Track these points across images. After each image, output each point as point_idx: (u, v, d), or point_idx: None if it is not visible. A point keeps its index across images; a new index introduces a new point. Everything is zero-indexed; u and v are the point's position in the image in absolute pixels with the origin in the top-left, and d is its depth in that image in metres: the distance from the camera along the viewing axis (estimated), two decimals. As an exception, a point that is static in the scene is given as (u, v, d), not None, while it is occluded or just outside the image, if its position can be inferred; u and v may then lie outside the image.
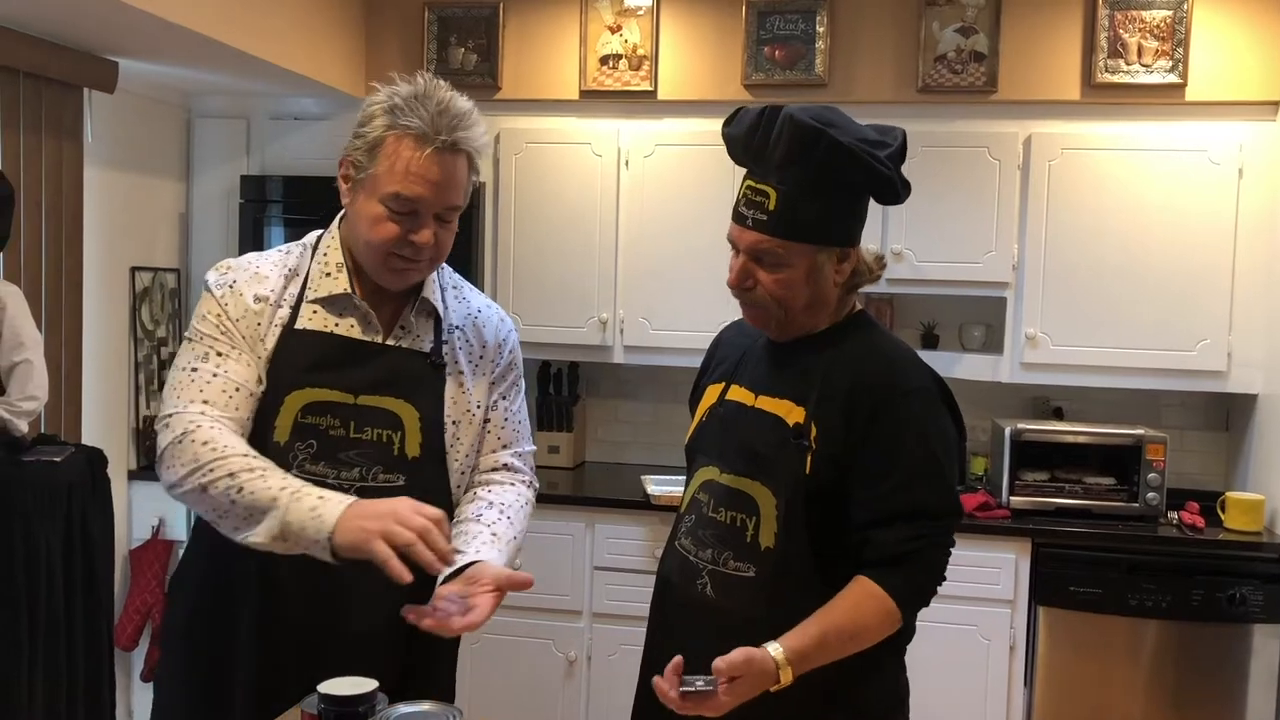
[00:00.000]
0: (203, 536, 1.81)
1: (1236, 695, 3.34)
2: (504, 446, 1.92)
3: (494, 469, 1.91)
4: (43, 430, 3.28)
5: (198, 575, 1.84)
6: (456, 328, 1.87)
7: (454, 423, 1.82)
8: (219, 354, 1.71)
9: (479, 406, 1.87)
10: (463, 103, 1.73)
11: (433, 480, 1.80)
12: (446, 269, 1.91)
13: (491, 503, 1.85)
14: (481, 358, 1.89)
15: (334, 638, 1.73)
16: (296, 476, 1.66)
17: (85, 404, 3.57)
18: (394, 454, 1.76)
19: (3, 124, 3.17)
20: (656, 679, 1.59)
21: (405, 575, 1.49)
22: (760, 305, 1.80)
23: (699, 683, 1.55)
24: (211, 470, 1.61)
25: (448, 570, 1.62)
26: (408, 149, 1.68)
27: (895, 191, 1.76)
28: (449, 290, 1.90)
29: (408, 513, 1.53)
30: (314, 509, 1.56)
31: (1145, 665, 3.39)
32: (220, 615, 1.77)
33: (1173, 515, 3.54)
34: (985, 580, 3.44)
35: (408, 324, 1.82)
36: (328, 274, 1.79)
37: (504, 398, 1.93)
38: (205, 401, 1.68)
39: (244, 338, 1.73)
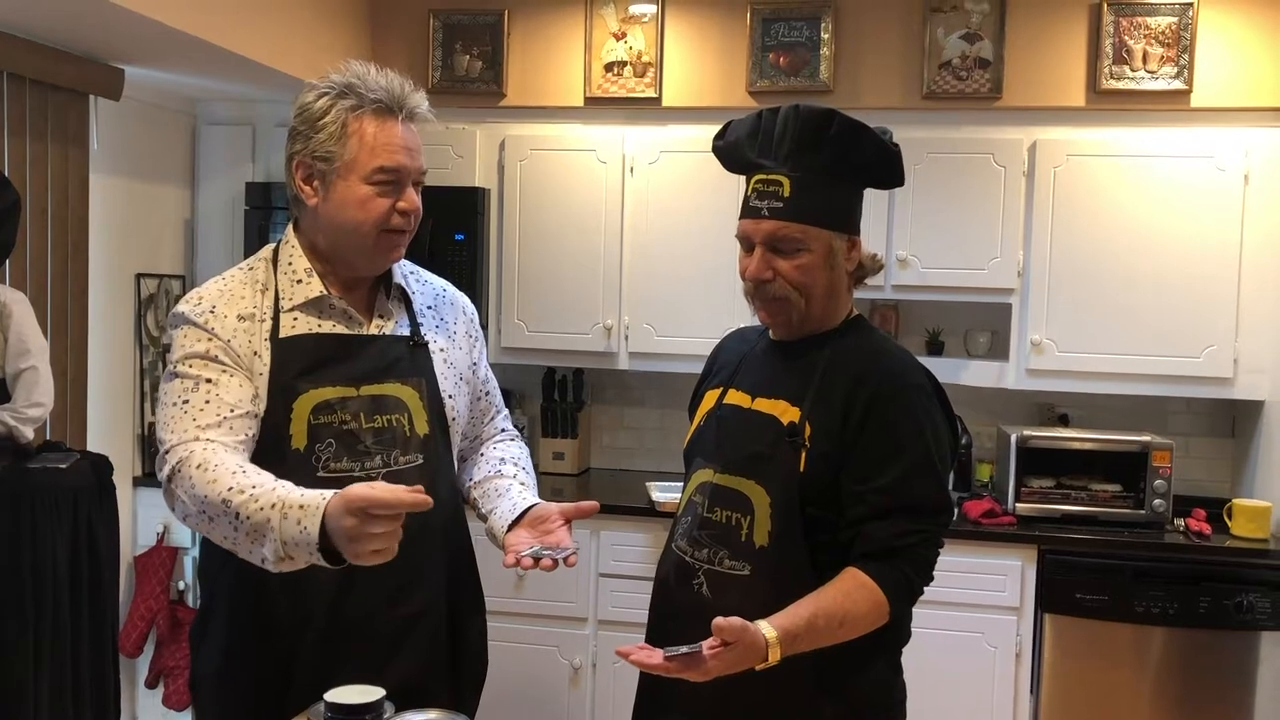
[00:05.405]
0: (218, 579, 1.83)
1: (1244, 703, 3.32)
2: (498, 412, 2.12)
3: (494, 435, 2.11)
4: (48, 437, 3.29)
5: (221, 622, 1.83)
6: (429, 308, 1.95)
7: (449, 396, 1.90)
8: (208, 380, 1.71)
9: (462, 378, 1.96)
10: (396, 76, 1.81)
11: (443, 453, 1.88)
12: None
13: (503, 458, 2.04)
14: (454, 332, 1.97)
15: (380, 628, 1.77)
16: (321, 476, 1.70)
17: (90, 410, 3.57)
18: (407, 435, 1.81)
19: (9, 131, 3.18)
20: (630, 648, 1.55)
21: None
22: (781, 297, 1.80)
23: (683, 648, 1.52)
24: (207, 499, 1.58)
25: (510, 519, 1.84)
26: (376, 125, 1.75)
27: (900, 170, 1.82)
28: (409, 276, 1.97)
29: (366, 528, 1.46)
30: (299, 522, 1.51)
31: (1152, 673, 3.38)
32: (256, 649, 1.78)
33: (1179, 522, 3.54)
34: (991, 587, 3.43)
35: (385, 311, 1.87)
36: (298, 281, 1.81)
37: (488, 368, 2.09)
38: (200, 427, 1.67)
39: (240, 354, 1.74)
